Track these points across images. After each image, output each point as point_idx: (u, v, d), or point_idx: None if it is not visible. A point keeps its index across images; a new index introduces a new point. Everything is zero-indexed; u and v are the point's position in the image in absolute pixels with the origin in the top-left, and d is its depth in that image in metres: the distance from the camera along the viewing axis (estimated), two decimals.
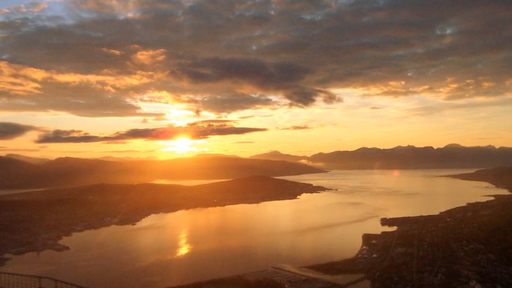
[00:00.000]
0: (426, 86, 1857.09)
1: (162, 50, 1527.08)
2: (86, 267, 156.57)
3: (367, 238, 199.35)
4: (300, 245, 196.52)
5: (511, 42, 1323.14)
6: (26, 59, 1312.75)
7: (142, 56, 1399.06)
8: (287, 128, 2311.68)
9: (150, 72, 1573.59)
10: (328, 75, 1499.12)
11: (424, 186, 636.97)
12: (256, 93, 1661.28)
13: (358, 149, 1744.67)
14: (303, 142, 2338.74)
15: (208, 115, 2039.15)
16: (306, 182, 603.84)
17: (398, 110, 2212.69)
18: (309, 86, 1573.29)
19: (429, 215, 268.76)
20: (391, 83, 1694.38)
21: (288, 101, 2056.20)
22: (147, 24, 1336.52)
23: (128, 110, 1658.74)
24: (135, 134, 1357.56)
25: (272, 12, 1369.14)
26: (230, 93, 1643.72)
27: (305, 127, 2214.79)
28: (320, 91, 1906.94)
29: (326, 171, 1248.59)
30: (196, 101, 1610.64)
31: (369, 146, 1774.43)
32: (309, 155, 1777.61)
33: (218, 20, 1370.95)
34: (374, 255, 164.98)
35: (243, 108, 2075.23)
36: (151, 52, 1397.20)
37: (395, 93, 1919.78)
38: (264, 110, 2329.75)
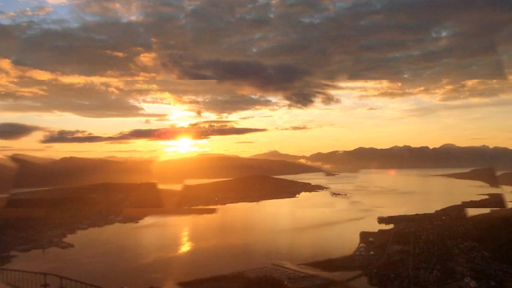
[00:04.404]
0: (422, 88, 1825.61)
1: None
2: (90, 264, 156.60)
3: (364, 236, 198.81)
4: (299, 243, 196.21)
5: (505, 44, 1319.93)
6: (31, 61, 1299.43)
7: (145, 58, 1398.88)
8: (286, 129, 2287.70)
9: (153, 74, 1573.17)
10: (326, 76, 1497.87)
11: (420, 185, 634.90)
12: (256, 95, 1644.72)
13: (355, 149, 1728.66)
14: (302, 142, 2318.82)
15: (210, 116, 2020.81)
16: (305, 181, 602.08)
17: (395, 110, 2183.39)
18: (307, 88, 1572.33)
19: (425, 213, 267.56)
20: (388, 84, 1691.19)
21: (287, 102, 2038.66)
22: (149, 27, 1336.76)
23: (131, 110, 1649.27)
24: (138, 134, 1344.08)
25: (272, 16, 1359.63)
26: (231, 94, 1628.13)
27: (304, 127, 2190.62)
28: (319, 92, 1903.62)
29: (324, 171, 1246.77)
30: (197, 102, 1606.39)
31: (366, 146, 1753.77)
32: (307, 154, 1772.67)
33: (219, 23, 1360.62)
34: (371, 253, 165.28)
35: (243, 109, 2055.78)
36: (153, 54, 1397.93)
37: (391, 95, 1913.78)
38: (264, 110, 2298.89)
